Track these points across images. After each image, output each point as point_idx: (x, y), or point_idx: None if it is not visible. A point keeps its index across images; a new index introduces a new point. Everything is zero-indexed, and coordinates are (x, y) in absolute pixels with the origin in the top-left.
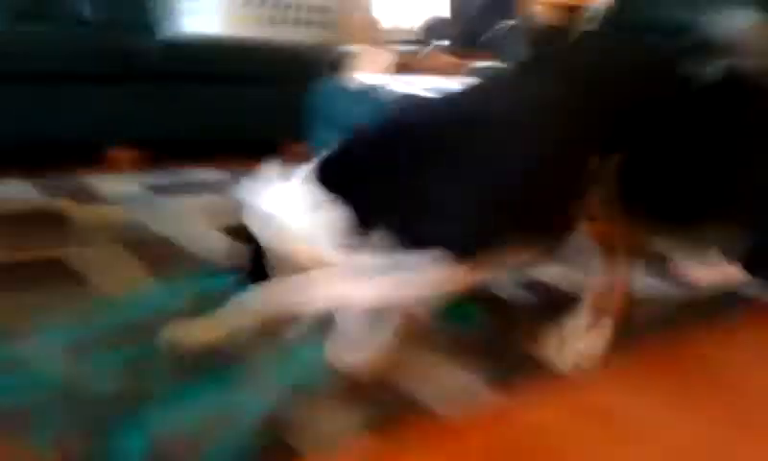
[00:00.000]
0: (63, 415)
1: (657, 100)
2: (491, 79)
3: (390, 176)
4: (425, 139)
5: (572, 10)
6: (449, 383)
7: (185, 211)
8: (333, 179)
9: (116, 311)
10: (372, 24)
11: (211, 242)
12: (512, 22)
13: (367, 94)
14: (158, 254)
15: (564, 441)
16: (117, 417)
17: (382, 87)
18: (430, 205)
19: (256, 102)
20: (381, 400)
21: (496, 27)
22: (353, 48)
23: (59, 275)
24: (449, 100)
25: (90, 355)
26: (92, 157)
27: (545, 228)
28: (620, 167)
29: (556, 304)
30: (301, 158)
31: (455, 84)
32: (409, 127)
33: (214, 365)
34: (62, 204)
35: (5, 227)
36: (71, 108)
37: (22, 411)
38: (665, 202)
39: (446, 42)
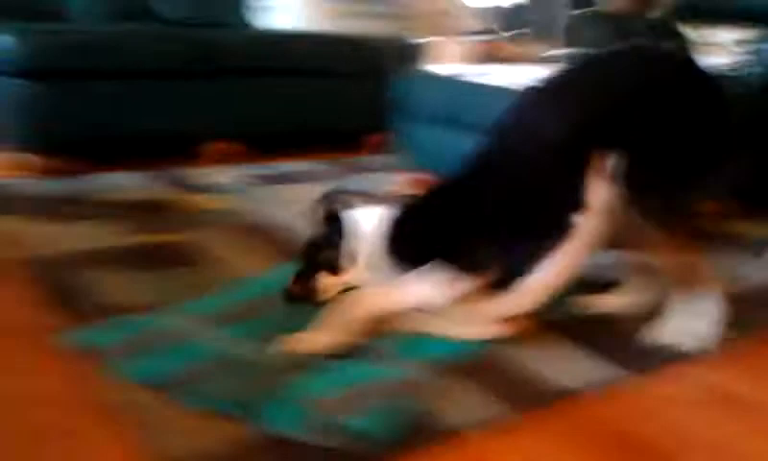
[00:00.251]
0: (218, 381)
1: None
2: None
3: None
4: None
5: None
6: (574, 365)
7: (290, 199)
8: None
9: (246, 288)
10: (450, 15)
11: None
12: (589, 9)
13: (446, 84)
14: (272, 238)
15: (691, 422)
16: (269, 383)
17: (460, 77)
18: None
19: (339, 94)
20: (517, 381)
21: (573, 14)
22: (433, 39)
23: (183, 256)
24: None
25: (231, 327)
26: (187, 150)
27: None
28: None
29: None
30: (383, 149)
31: (532, 72)
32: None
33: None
34: (174, 193)
35: (128, 214)
36: (166, 103)
37: (179, 378)
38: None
39: (525, 30)
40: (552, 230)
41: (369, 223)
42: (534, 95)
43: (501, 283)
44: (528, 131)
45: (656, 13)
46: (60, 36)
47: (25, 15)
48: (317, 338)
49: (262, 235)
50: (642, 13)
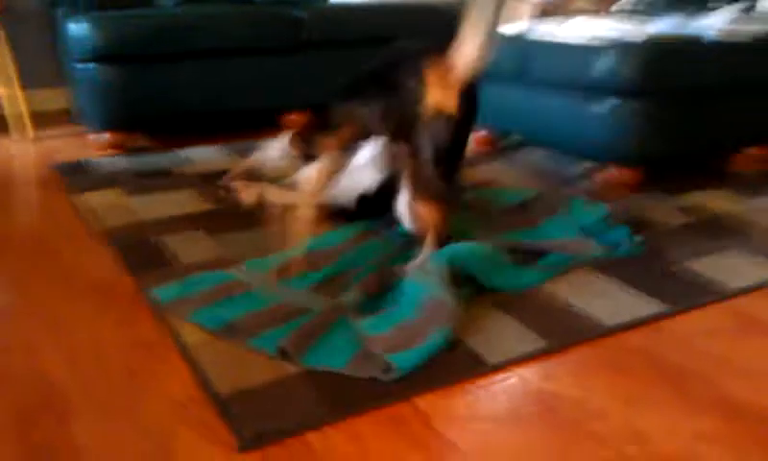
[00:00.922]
0: (273, 326)
1: None
2: None
3: None
4: None
5: None
6: (616, 302)
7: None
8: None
9: (302, 247)
10: None
11: None
12: None
13: (514, 42)
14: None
15: (730, 349)
16: (324, 324)
17: (528, 35)
18: None
19: None
20: (555, 317)
21: None
22: None
23: (256, 219)
24: None
25: (290, 280)
26: (269, 122)
27: None
28: None
29: (713, 226)
30: None
31: (597, 25)
32: None
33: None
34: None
35: (203, 184)
36: (247, 78)
37: (242, 323)
38: None
39: None
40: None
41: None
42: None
43: None
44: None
45: None
46: (132, 22)
47: (117, 3)
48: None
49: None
50: None
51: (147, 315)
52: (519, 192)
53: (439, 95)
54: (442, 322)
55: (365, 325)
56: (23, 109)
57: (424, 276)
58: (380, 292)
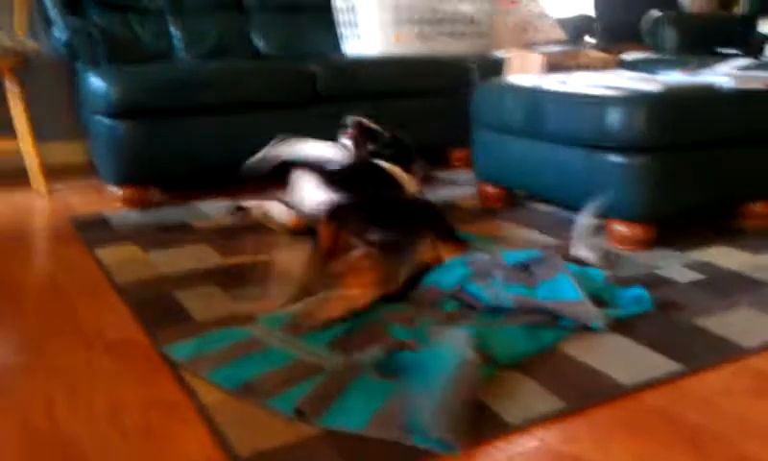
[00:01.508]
0: (290, 385)
1: None
2: None
3: None
4: None
5: None
6: (632, 361)
7: None
8: None
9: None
10: (528, 27)
11: None
12: (659, 13)
13: (521, 96)
14: None
15: (748, 408)
16: (342, 383)
17: (536, 88)
18: None
19: (426, 112)
20: (573, 377)
21: (655, 16)
22: (505, 54)
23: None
24: None
25: (307, 335)
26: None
27: None
28: None
29: (723, 283)
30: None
31: (608, 78)
32: None
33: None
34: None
35: (219, 238)
36: (262, 133)
37: (262, 380)
38: None
39: (593, 40)
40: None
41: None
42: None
43: None
44: None
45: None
46: (151, 76)
47: (136, 57)
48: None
49: None
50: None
51: (164, 373)
52: (522, 253)
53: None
54: (468, 392)
55: (387, 385)
56: (36, 163)
57: (452, 343)
58: (402, 352)
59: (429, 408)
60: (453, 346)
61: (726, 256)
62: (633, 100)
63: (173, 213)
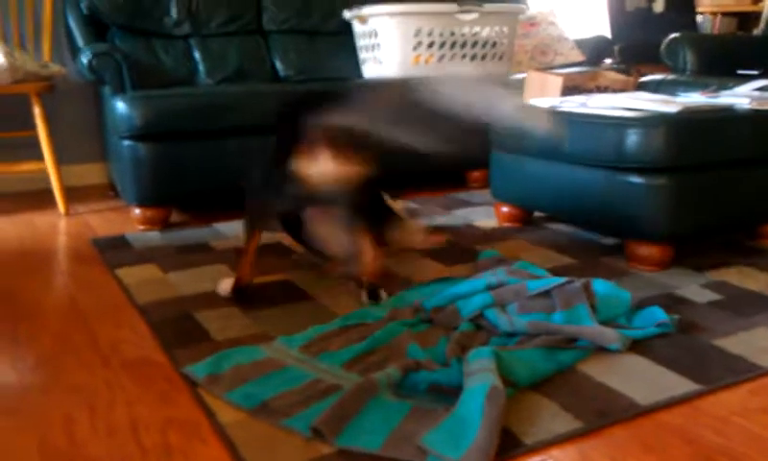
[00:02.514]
0: (306, 405)
1: None
2: None
3: None
4: None
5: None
6: (650, 381)
7: None
8: None
9: (339, 320)
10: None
11: (412, 264)
12: (691, 32)
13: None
14: None
15: (765, 429)
16: (358, 402)
17: (554, 109)
18: None
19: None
20: (589, 397)
21: (674, 37)
22: (524, 76)
23: (290, 293)
24: None
25: (323, 355)
26: None
27: None
28: None
29: (741, 303)
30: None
31: (627, 99)
32: None
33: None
34: (282, 236)
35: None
36: None
37: (280, 400)
38: None
39: (612, 61)
40: None
41: None
42: None
43: None
44: None
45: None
46: (169, 103)
47: (160, 82)
48: None
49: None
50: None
51: (183, 392)
52: (546, 281)
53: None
54: (499, 420)
55: (403, 405)
56: (58, 184)
57: (478, 367)
58: (418, 372)
59: (453, 431)
60: (480, 371)
61: (744, 276)
62: (651, 121)
63: (193, 234)
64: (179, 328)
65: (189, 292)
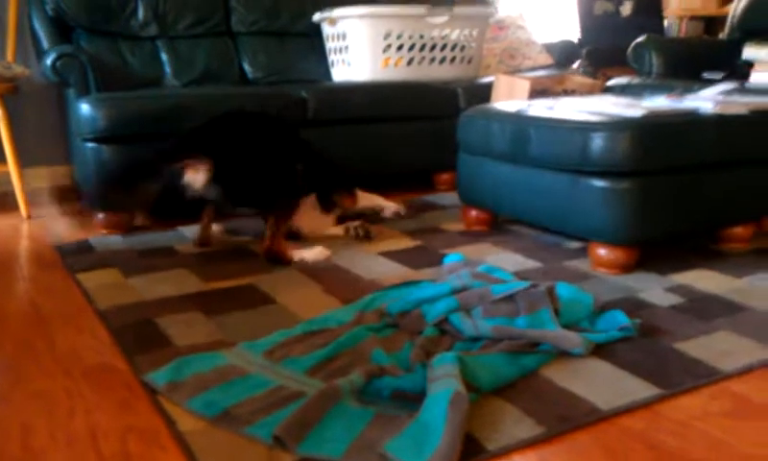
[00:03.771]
0: (268, 412)
1: None
2: None
3: None
4: None
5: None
6: (611, 385)
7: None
8: None
9: (302, 325)
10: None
11: (378, 267)
12: (644, 38)
13: (506, 121)
14: (332, 278)
15: (728, 432)
16: (321, 410)
17: (520, 113)
18: None
19: (413, 136)
20: (551, 402)
21: (640, 41)
22: (492, 79)
23: (253, 298)
24: None
25: (287, 361)
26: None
27: None
28: None
29: (703, 306)
30: (450, 186)
31: (593, 103)
32: None
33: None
34: (247, 240)
35: (205, 263)
36: None
37: (241, 407)
38: None
39: (576, 64)
40: None
41: None
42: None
43: None
44: None
45: (722, 37)
46: (133, 105)
47: (127, 84)
48: None
49: (323, 276)
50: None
51: (143, 400)
52: (510, 285)
53: None
54: (462, 425)
55: (366, 412)
56: (20, 188)
57: (441, 373)
58: (382, 377)
59: (416, 438)
60: (444, 377)
61: (707, 280)
62: (615, 125)
63: (157, 238)
64: (139, 334)
65: (151, 297)
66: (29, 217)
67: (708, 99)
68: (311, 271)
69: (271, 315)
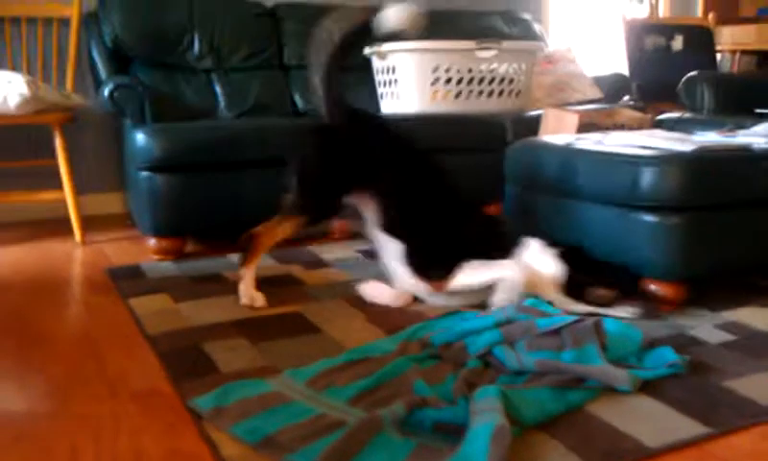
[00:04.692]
0: (311, 440)
1: None
2: None
3: None
4: None
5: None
6: (660, 424)
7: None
8: None
9: (346, 354)
10: (566, 86)
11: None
12: (695, 73)
13: (556, 153)
14: (376, 308)
15: None
16: (361, 440)
17: (568, 146)
18: None
19: (461, 168)
20: (598, 439)
21: (691, 76)
22: (541, 112)
23: (299, 326)
24: None
25: (330, 390)
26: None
27: None
28: None
29: (754, 344)
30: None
31: (643, 138)
32: None
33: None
34: (295, 269)
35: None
36: None
37: (284, 434)
38: None
39: (626, 98)
40: None
41: None
42: None
43: None
44: None
45: None
46: (187, 136)
47: (181, 115)
48: None
49: (368, 305)
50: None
51: (188, 424)
52: (552, 319)
53: None
54: (499, 456)
55: (407, 443)
56: (75, 214)
57: (484, 406)
58: (423, 409)
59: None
60: (486, 410)
61: (758, 317)
62: (666, 159)
63: (207, 265)
64: (186, 359)
65: (199, 322)
66: (83, 242)
67: (760, 134)
68: (356, 301)
69: (315, 344)
